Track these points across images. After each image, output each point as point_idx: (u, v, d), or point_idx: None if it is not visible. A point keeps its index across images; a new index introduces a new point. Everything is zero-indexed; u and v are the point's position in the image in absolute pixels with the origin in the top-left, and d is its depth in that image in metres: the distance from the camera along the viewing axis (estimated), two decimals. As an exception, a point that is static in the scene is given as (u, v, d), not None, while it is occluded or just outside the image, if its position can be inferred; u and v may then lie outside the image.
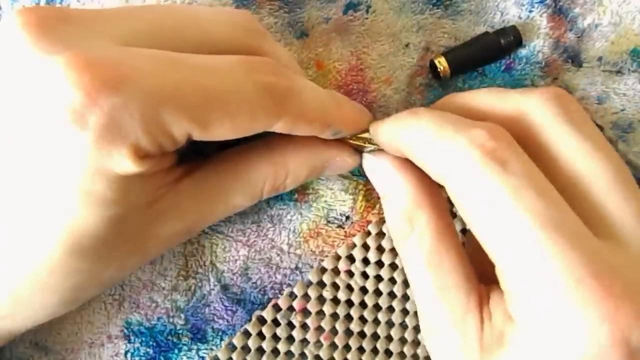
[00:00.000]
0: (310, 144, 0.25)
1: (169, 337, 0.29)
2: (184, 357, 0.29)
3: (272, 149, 0.25)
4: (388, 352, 0.29)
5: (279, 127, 0.23)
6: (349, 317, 0.29)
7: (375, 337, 0.29)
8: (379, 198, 0.28)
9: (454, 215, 0.28)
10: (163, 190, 0.23)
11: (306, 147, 0.25)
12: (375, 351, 0.29)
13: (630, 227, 0.20)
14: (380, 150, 0.26)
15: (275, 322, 0.28)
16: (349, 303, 0.29)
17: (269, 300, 0.29)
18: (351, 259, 0.29)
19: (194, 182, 0.24)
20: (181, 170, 0.24)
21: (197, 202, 0.24)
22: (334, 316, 0.29)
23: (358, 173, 0.29)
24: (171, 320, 0.29)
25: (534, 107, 0.23)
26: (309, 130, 0.24)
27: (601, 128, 0.29)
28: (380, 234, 0.29)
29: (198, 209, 0.24)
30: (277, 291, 0.29)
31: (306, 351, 0.28)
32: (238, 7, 0.29)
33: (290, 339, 0.28)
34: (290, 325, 0.28)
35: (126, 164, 0.20)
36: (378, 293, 0.29)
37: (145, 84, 0.19)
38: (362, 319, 0.29)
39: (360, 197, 0.29)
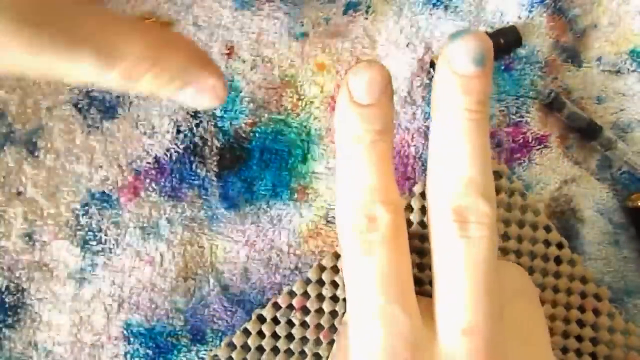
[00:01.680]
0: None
1: (169, 339, 0.29)
2: (184, 358, 0.29)
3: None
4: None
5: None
6: (348, 317, 0.29)
7: (375, 337, 0.29)
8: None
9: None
10: None
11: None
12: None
13: None
14: None
15: (275, 320, 0.28)
16: (349, 302, 0.29)
17: (269, 300, 0.29)
18: (351, 258, 0.29)
19: None
20: None
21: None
22: (333, 314, 0.28)
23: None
24: (171, 321, 0.29)
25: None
26: None
27: (601, 128, 0.29)
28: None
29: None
30: (276, 292, 0.29)
31: (305, 349, 0.28)
32: (238, 9, 0.29)
33: (289, 337, 0.28)
34: (290, 323, 0.28)
35: None
36: (378, 292, 0.29)
37: None
38: (362, 319, 0.29)
39: (360, 197, 0.29)
